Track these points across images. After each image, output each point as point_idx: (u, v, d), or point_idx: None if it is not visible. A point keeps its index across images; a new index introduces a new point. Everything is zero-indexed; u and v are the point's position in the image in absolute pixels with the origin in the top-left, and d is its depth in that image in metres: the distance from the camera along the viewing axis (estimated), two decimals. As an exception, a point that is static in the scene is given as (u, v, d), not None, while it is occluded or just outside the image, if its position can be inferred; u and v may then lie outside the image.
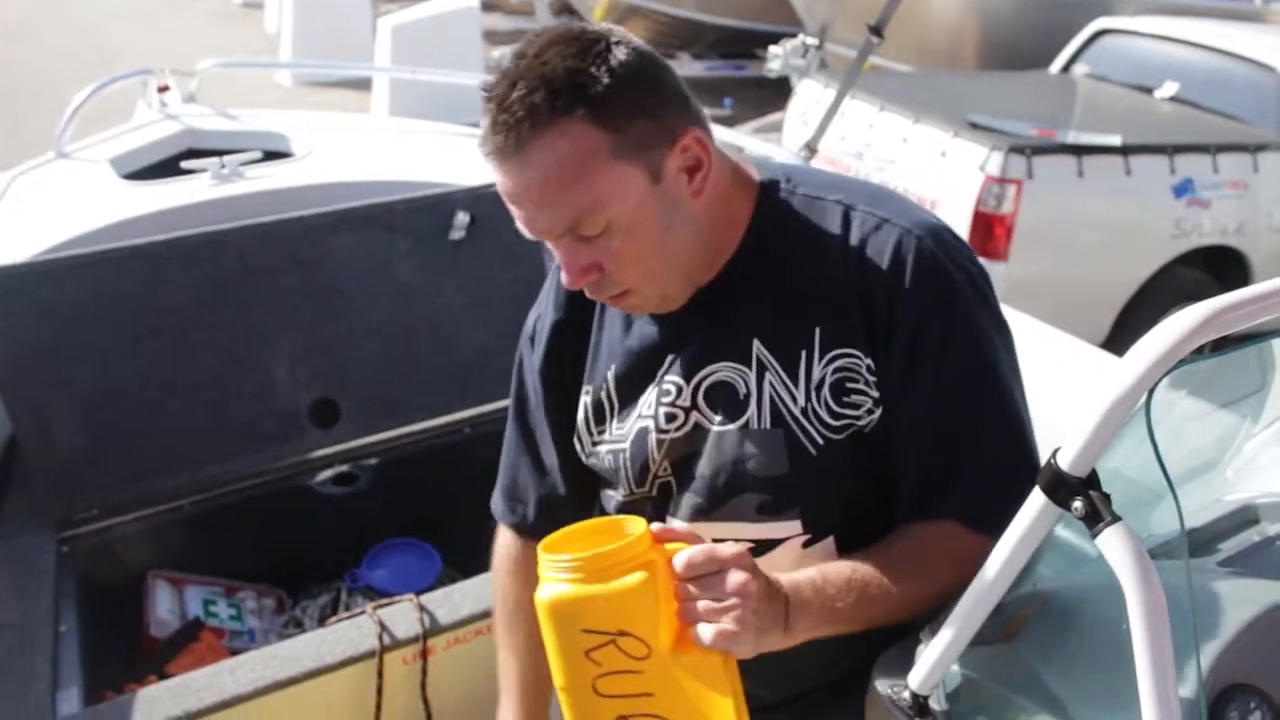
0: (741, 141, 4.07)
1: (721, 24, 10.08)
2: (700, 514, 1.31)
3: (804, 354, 1.24)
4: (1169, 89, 5.75)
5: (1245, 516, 1.40)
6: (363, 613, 1.88)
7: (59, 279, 2.24)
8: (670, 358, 1.32)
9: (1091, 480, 0.87)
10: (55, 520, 2.17)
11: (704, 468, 1.30)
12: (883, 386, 1.22)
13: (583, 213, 1.15)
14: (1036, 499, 0.90)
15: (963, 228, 4.49)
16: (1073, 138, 4.78)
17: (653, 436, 1.33)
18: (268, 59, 10.00)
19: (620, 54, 1.15)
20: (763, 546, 1.28)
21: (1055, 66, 6.45)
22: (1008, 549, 0.95)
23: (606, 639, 1.03)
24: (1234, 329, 0.85)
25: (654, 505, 1.35)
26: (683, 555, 1.05)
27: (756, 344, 1.26)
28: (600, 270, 1.19)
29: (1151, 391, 0.84)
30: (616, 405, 1.37)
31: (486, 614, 1.86)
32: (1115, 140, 4.75)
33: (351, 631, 1.83)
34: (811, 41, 7.50)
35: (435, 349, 2.54)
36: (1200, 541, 1.33)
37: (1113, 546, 0.85)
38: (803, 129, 5.35)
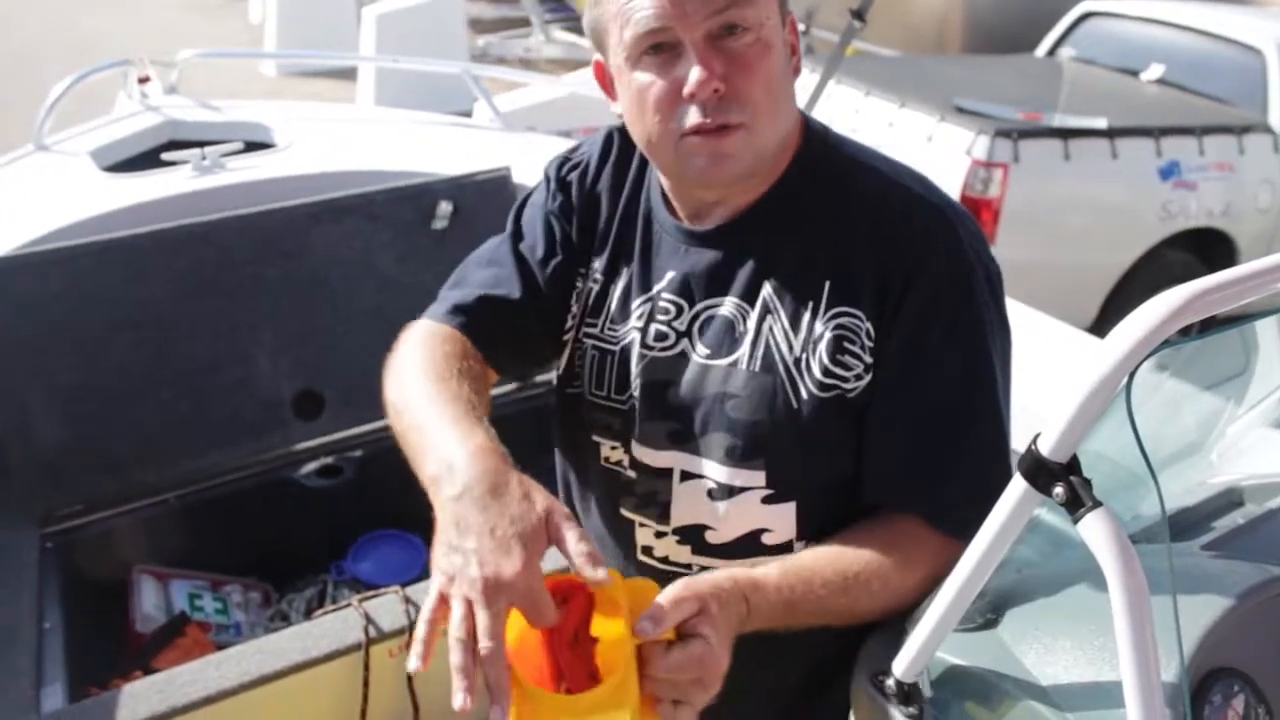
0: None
1: None
2: (672, 443, 1.30)
3: (810, 304, 1.23)
4: (1155, 71, 5.75)
5: (1230, 499, 1.40)
6: (348, 605, 1.87)
7: (39, 272, 2.23)
8: (670, 275, 1.30)
9: (1072, 466, 0.86)
10: (38, 516, 2.16)
11: (679, 398, 1.29)
12: (877, 354, 1.21)
13: None
14: (1018, 484, 0.90)
15: (949, 212, 4.48)
16: (1059, 121, 4.77)
17: (637, 350, 1.31)
18: (251, 49, 9.94)
19: None
20: (724, 490, 1.27)
21: (1041, 50, 6.44)
22: (990, 534, 0.95)
23: None
24: (1215, 311, 0.85)
25: (622, 419, 1.34)
26: (667, 660, 1.00)
27: (767, 286, 1.25)
28: (725, 86, 1.15)
29: (1132, 375, 0.83)
30: (615, 305, 1.35)
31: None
32: (1101, 123, 4.74)
33: (337, 625, 1.82)
34: (799, 27, 7.49)
35: (420, 339, 2.53)
36: (1186, 524, 1.33)
37: (1094, 532, 0.84)
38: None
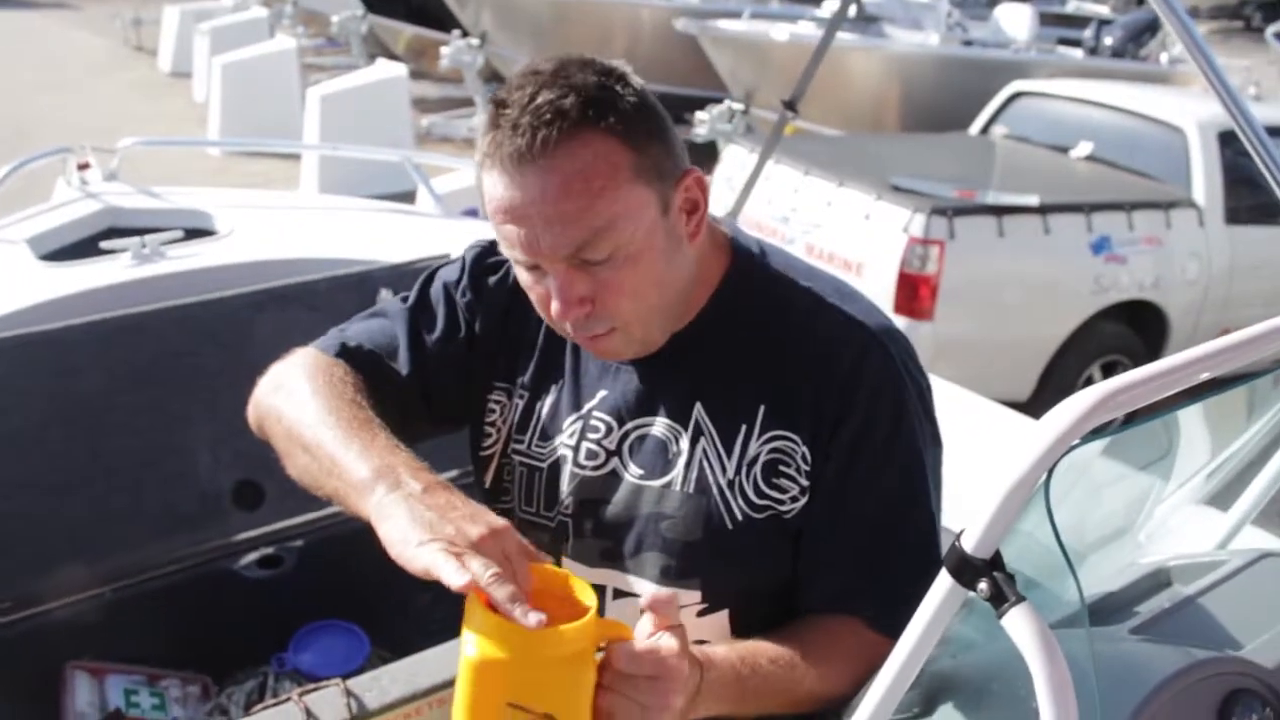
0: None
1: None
2: (605, 561, 1.29)
3: (744, 428, 1.23)
4: (1084, 149, 5.92)
5: (1158, 580, 1.43)
6: (288, 699, 1.84)
7: (-29, 365, 2.20)
8: (603, 394, 1.30)
9: (995, 562, 0.88)
10: (-33, 614, 2.12)
11: (612, 517, 1.28)
12: (813, 477, 1.22)
13: (596, 233, 1.11)
14: (944, 581, 0.92)
15: (888, 289, 4.57)
16: (993, 198, 4.90)
17: (568, 469, 1.31)
18: (196, 130, 9.94)
19: (636, 82, 1.17)
20: None
21: (974, 128, 6.61)
22: (919, 629, 0.96)
23: (531, 718, 0.99)
24: (1127, 410, 0.87)
25: (551, 535, 1.33)
26: (627, 650, 1.02)
27: (699, 408, 1.25)
28: (592, 303, 1.16)
29: (1050, 473, 0.86)
30: (543, 422, 1.34)
31: (414, 696, 1.83)
32: (1033, 200, 4.87)
33: (276, 719, 1.79)
34: (737, 107, 7.63)
35: (360, 427, 2.52)
36: (1114, 607, 1.36)
37: (1017, 626, 0.86)
38: (729, 193, 5.42)
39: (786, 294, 1.27)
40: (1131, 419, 0.99)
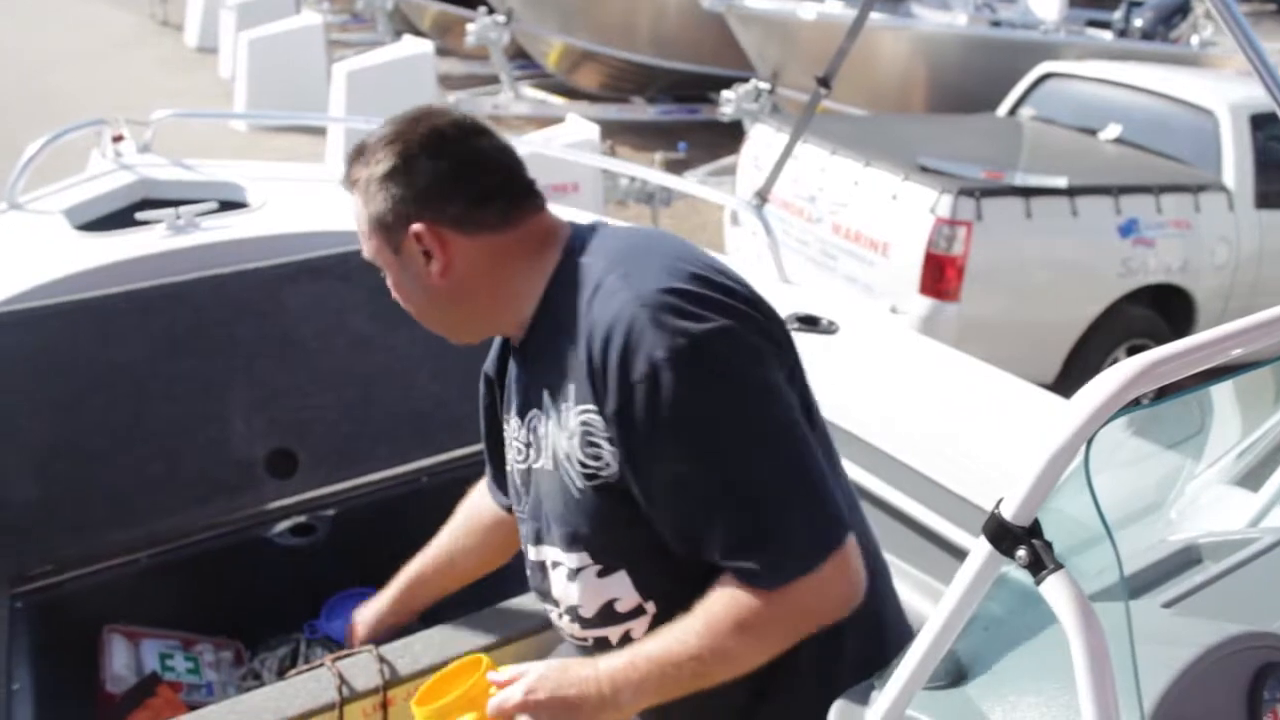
0: (692, 189, 4.13)
1: (675, 68, 10.19)
2: (535, 541, 1.52)
3: (563, 406, 1.37)
4: (1112, 131, 5.88)
5: (1189, 556, 1.44)
6: (321, 664, 1.88)
7: (10, 331, 2.23)
8: (515, 398, 1.51)
9: (1034, 529, 0.90)
10: (8, 576, 2.15)
11: (531, 502, 1.50)
12: (617, 446, 1.33)
13: (364, 248, 1.48)
14: (982, 548, 0.93)
15: (914, 270, 4.56)
16: (1020, 180, 4.87)
17: (517, 466, 1.52)
18: (222, 105, 9.98)
19: (400, 150, 1.41)
20: (573, 572, 1.45)
21: (1002, 109, 6.57)
22: (957, 595, 0.97)
23: None
24: (1166, 381, 0.88)
25: (521, 523, 1.57)
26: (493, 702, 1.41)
27: (545, 393, 1.41)
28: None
29: (1090, 442, 0.87)
30: (507, 430, 1.58)
31: (445, 663, 1.85)
32: (1061, 182, 4.84)
33: (310, 684, 1.82)
34: (764, 86, 7.62)
35: (392, 398, 2.54)
36: (1147, 581, 1.37)
37: (1056, 593, 0.88)
38: (755, 172, 5.42)
39: (584, 278, 1.39)
40: (1164, 394, 0.99)
